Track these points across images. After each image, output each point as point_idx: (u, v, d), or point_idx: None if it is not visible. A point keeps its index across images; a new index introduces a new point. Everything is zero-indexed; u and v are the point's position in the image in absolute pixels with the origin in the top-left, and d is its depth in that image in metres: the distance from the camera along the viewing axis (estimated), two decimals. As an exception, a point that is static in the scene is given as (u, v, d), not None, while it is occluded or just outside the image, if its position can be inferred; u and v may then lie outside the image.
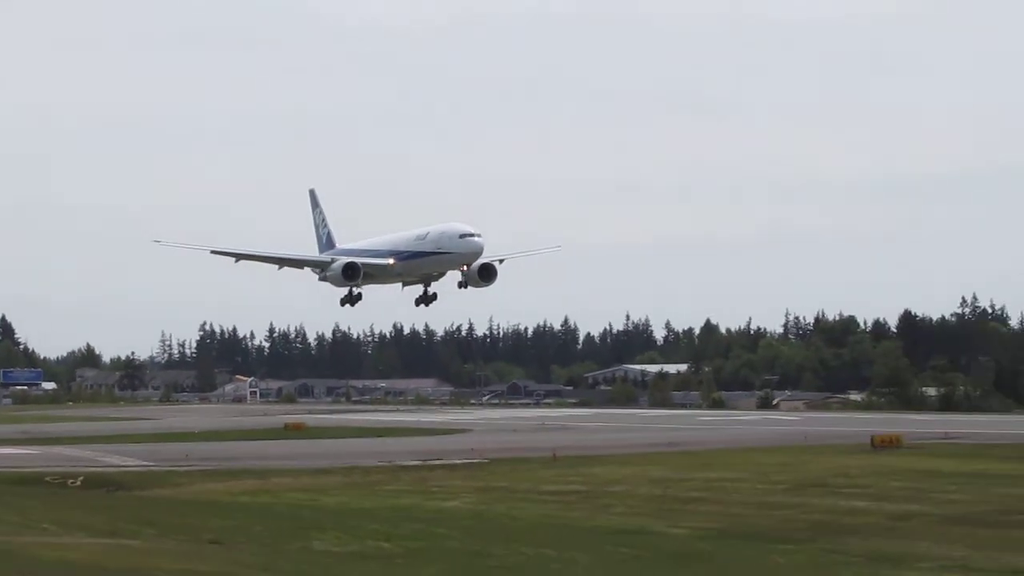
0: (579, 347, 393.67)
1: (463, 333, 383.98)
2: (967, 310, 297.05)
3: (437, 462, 72.57)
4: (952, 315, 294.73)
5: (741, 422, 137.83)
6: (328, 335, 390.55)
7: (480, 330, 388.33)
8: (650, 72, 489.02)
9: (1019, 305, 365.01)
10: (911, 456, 71.56)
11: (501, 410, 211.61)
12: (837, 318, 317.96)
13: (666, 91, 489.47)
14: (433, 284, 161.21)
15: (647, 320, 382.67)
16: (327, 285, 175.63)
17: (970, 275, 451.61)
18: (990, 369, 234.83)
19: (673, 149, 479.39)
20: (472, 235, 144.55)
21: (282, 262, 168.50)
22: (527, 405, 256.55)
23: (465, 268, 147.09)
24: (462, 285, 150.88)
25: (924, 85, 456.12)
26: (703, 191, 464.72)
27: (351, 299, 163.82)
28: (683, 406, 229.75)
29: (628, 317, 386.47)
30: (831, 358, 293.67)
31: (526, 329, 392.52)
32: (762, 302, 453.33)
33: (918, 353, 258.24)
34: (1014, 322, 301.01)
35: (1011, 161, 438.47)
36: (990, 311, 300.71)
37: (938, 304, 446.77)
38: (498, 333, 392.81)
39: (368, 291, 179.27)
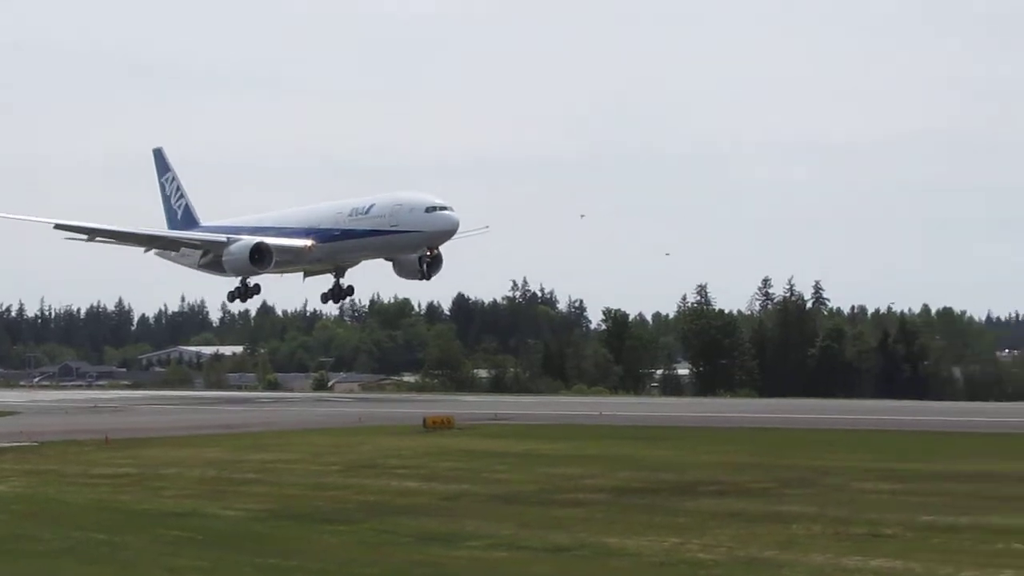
0: (133, 328, 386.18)
1: (12, 314, 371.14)
2: (518, 294, 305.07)
3: (-17, 445, 69.82)
4: (504, 298, 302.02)
5: (296, 404, 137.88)
6: None
7: (31, 311, 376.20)
8: (197, 46, 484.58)
9: (567, 289, 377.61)
10: (462, 436, 72.97)
11: (52, 392, 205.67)
12: (392, 301, 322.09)
13: (224, 67, 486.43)
14: (347, 274, 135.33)
15: (203, 302, 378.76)
16: (207, 274, 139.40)
17: (522, 260, 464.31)
18: (539, 351, 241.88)
19: (228, 126, 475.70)
20: (444, 208, 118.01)
21: (154, 241, 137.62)
22: (80, 387, 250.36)
23: (429, 252, 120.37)
24: (424, 276, 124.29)
25: (476, 75, 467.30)
26: (256, 171, 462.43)
27: (245, 292, 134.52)
28: (239, 388, 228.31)
29: (183, 299, 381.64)
30: (385, 340, 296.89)
31: (79, 310, 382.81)
32: (319, 285, 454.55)
33: (470, 335, 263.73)
34: (562, 306, 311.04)
35: (556, 151, 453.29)
36: (540, 295, 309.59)
37: (491, 287, 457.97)
38: (50, 314, 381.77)
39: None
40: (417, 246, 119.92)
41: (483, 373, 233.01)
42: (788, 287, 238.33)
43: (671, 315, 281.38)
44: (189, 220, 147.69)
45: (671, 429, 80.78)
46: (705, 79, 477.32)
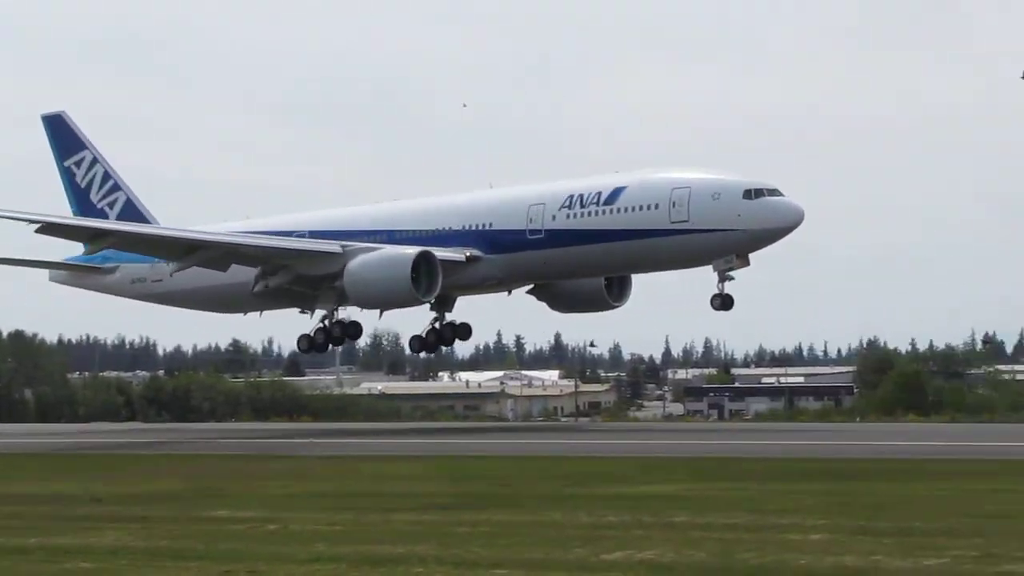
0: None
1: None
2: None
3: None
4: None
5: None
6: None
7: None
8: None
9: None
10: None
11: None
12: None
13: None
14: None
15: None
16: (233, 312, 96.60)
17: None
18: None
19: None
20: (773, 191, 75.93)
21: (199, 252, 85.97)
22: None
23: (735, 262, 75.93)
24: (724, 302, 77.41)
25: None
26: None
27: (341, 334, 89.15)
28: None
29: None
30: None
31: None
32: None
33: None
34: None
35: None
36: None
37: None
38: None
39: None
40: (721, 253, 75.49)
41: None
42: None
43: None
44: (132, 219, 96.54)
45: None
46: None
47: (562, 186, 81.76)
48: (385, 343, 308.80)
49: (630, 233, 77.20)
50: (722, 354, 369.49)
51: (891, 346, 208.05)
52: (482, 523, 35.91)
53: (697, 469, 53.26)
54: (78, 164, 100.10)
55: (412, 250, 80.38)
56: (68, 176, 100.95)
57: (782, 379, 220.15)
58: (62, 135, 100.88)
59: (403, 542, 32.16)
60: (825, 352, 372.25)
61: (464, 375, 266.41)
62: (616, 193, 78.26)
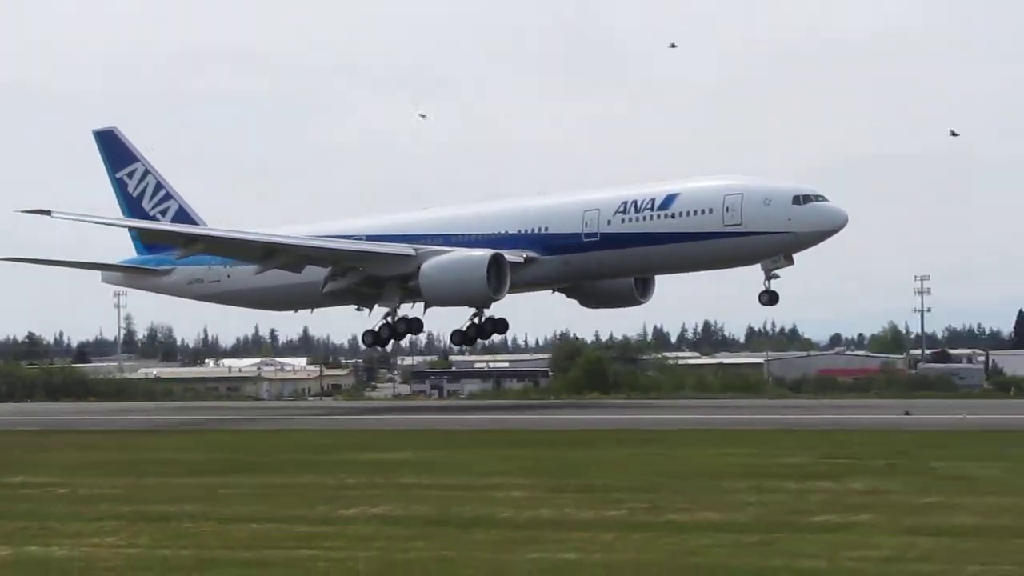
0: None
1: None
2: None
3: None
4: None
5: None
6: None
7: None
8: None
9: None
10: None
11: None
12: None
13: None
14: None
15: None
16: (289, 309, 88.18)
17: None
18: None
19: None
20: (819, 197, 70.42)
21: (278, 255, 79.17)
22: None
23: (782, 262, 71.10)
24: (771, 298, 72.19)
25: None
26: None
27: (406, 328, 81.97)
28: None
29: None
30: None
31: None
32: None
33: None
34: None
35: None
36: None
37: None
38: None
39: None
40: (771, 254, 70.79)
41: None
42: None
43: None
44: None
45: None
46: None
47: (614, 193, 76.37)
48: (160, 336, 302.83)
49: (684, 236, 72.48)
50: (441, 344, 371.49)
51: (580, 337, 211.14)
52: (242, 486, 35.93)
53: (421, 439, 53.97)
54: (130, 175, 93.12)
55: (485, 252, 74.97)
56: (120, 186, 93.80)
57: (491, 364, 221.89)
58: (114, 149, 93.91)
59: (175, 502, 32.03)
60: (526, 342, 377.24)
61: (226, 362, 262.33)
62: (670, 199, 73.20)
